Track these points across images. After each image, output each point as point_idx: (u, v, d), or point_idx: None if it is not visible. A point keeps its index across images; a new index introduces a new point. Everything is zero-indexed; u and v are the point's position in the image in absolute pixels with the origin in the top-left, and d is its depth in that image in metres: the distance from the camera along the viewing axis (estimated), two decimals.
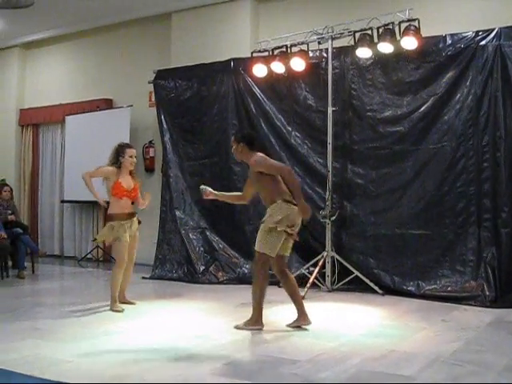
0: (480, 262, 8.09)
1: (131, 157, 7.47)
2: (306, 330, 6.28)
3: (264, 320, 6.50)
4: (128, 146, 7.67)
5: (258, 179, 6.46)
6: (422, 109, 8.68)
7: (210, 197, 6.90)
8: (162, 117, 10.85)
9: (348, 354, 5.34)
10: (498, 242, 8.02)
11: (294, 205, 6.22)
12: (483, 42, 8.25)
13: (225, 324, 6.55)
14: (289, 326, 6.39)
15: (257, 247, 6.29)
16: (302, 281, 8.65)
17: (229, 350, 5.46)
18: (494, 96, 8.17)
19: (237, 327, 6.30)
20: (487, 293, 7.85)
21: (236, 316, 6.89)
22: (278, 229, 6.16)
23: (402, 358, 5.19)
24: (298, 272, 8.82)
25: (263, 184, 6.41)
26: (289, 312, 6.93)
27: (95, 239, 8.34)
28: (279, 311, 7.16)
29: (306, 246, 9.07)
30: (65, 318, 6.82)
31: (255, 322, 6.29)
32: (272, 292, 8.41)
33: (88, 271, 11.18)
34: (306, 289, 8.25)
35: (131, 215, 7.47)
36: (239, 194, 7.09)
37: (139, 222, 7.66)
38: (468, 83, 8.38)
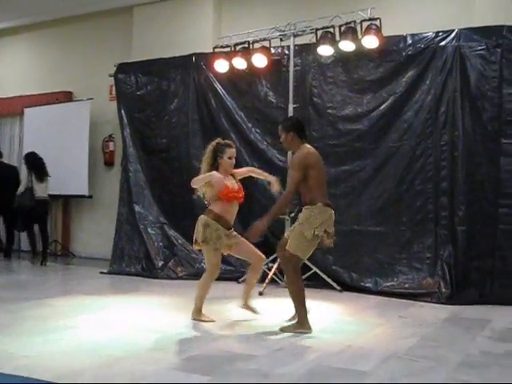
0: (437, 260, 8.18)
1: (230, 158, 6.57)
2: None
3: (221, 316, 6.51)
4: (228, 145, 6.65)
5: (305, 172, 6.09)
6: (382, 107, 8.75)
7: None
8: (123, 111, 10.77)
9: (306, 349, 5.35)
10: (454, 240, 8.12)
11: (332, 208, 6.13)
12: (443, 43, 8.34)
13: (183, 319, 6.51)
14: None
15: (290, 247, 6.02)
16: (261, 277, 8.67)
17: (187, 346, 5.45)
18: (452, 96, 8.26)
19: (282, 329, 6.02)
20: (443, 290, 7.94)
21: None
22: (316, 233, 5.94)
23: (358, 354, 5.22)
24: None
25: (306, 180, 6.04)
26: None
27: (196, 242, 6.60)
28: (236, 307, 7.15)
29: (265, 243, 9.04)
30: (21, 312, 6.71)
31: (302, 324, 6.00)
32: (229, 287, 8.45)
33: (46, 265, 11.03)
34: (264, 284, 8.27)
35: (230, 225, 6.53)
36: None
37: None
38: (427, 83, 8.46)
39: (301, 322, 6.02)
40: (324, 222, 5.99)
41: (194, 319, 6.42)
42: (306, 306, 6.03)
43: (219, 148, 6.57)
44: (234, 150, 6.64)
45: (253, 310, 6.74)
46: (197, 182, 6.48)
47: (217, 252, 6.43)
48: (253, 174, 7.02)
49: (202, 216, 6.47)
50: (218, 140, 6.69)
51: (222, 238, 6.39)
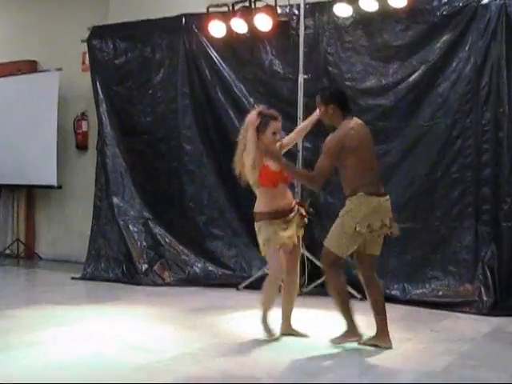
0: (477, 262, 8.16)
1: (275, 134, 6.26)
2: (385, 349, 6.05)
3: (217, 329, 6.52)
4: (273, 116, 6.31)
5: (339, 158, 6.05)
6: (412, 78, 8.71)
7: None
8: (98, 83, 10.73)
9: (319, 370, 5.37)
10: (498, 239, 8.10)
11: (381, 195, 6.04)
12: (485, 1, 8.28)
13: (172, 334, 6.54)
14: (363, 342, 6.15)
15: (327, 243, 6.11)
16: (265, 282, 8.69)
17: (176, 365, 5.44)
18: (497, 65, 8.21)
19: (333, 341, 6.13)
20: (485, 298, 7.93)
21: (186, 324, 6.92)
22: (357, 228, 5.88)
23: (383, 375, 5.24)
24: (259, 272, 8.82)
25: (344, 166, 6.05)
26: (249, 320, 6.93)
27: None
28: (235, 319, 7.17)
29: None
30: None
31: (351, 333, 6.09)
32: (227, 295, 8.47)
33: (5, 270, 11.06)
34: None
35: (287, 211, 6.32)
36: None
37: (303, 216, 6.48)
38: (467, 49, 8.41)
39: (349, 330, 6.07)
40: (367, 216, 5.90)
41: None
42: (351, 312, 6.06)
43: (262, 120, 6.25)
44: (279, 123, 6.35)
45: (298, 334, 6.50)
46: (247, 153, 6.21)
47: (277, 246, 6.24)
48: (304, 132, 7.03)
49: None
50: (261, 109, 6.40)
51: (279, 233, 6.22)
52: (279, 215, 6.23)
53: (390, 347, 6.05)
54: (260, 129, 6.22)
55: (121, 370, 5.23)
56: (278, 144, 6.38)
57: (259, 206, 6.31)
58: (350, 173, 6.00)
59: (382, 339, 6.11)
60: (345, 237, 5.95)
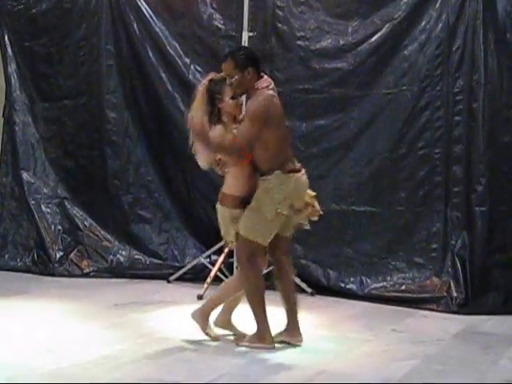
0: (446, 252, 8.25)
1: (234, 97, 6.22)
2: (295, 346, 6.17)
3: (142, 328, 6.51)
4: (226, 80, 6.25)
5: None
6: (374, 39, 8.72)
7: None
8: (6, 38, 10.54)
9: (259, 374, 5.39)
10: (471, 225, 8.17)
11: (297, 171, 6.09)
12: None
13: (91, 333, 6.49)
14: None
15: (243, 230, 6.04)
16: (201, 274, 8.67)
17: (96, 370, 5.38)
18: (472, 25, 8.25)
19: (239, 344, 6.13)
20: (455, 294, 8.01)
21: (108, 322, 6.88)
22: (278, 211, 5.92)
23: (336, 381, 5.23)
24: (195, 261, 8.81)
25: (262, 140, 6.00)
26: (180, 317, 6.90)
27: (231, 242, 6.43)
28: (164, 316, 7.15)
29: (208, 226, 9.03)
30: None
31: (260, 337, 6.08)
32: (155, 288, 8.44)
33: None
34: (205, 285, 8.23)
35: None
36: None
37: None
38: (438, 6, 8.44)
39: (260, 334, 6.07)
40: (288, 195, 5.97)
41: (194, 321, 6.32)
42: (266, 314, 6.07)
43: (215, 87, 6.19)
44: None
45: (235, 331, 6.51)
46: (201, 156, 6.26)
47: None
48: None
49: (222, 208, 6.25)
50: (211, 76, 6.32)
51: None
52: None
53: (300, 342, 6.18)
54: (216, 97, 6.14)
55: (33, 378, 5.12)
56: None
57: (238, 187, 6.19)
58: (269, 148, 5.99)
59: (292, 334, 6.23)
60: (265, 221, 5.96)
